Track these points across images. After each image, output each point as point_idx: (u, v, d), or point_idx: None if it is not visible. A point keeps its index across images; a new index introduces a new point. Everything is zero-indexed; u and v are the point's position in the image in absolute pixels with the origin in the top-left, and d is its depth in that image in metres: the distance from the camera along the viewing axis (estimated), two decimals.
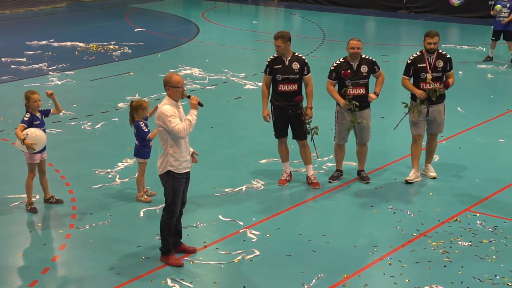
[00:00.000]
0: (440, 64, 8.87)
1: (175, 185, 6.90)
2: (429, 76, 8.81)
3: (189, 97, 6.91)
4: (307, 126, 8.83)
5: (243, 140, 10.89)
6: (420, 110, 8.89)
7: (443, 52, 8.98)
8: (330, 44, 18.21)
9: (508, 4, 15.31)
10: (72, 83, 14.32)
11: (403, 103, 9.07)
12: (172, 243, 7.09)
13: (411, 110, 8.97)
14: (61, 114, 12.05)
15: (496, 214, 8.08)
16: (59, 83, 14.24)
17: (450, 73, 8.99)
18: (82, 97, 13.23)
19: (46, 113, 8.41)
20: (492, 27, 15.83)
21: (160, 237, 7.10)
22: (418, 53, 9.00)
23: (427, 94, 8.83)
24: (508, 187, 8.90)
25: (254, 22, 23.03)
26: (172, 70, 15.17)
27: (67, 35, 19.20)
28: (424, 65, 8.85)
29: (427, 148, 9.30)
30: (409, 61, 8.99)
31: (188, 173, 7.04)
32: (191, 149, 7.15)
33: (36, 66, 15.60)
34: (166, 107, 6.78)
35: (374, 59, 8.93)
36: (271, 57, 8.86)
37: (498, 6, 16.50)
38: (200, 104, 6.89)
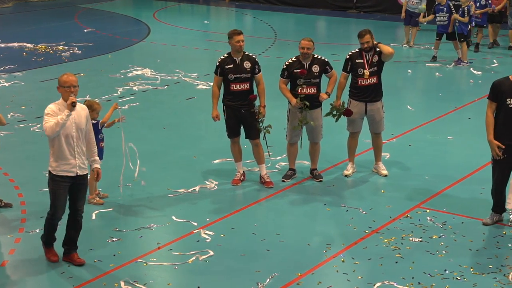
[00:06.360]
0: (376, 58, 9.04)
1: (54, 188, 6.81)
2: (366, 72, 8.97)
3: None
4: (260, 124, 8.86)
5: (196, 140, 10.85)
6: (341, 111, 9.04)
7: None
8: (282, 44, 18.28)
9: (445, 9, 15.64)
10: (20, 84, 14.04)
11: (331, 105, 9.16)
12: (65, 249, 7.07)
13: (332, 114, 9.12)
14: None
15: (446, 210, 8.24)
16: (7, 84, 13.95)
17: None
18: (31, 99, 12.99)
19: None
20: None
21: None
22: (357, 50, 9.15)
23: (332, 110, 9.05)
24: (457, 183, 9.08)
25: (206, 22, 22.97)
26: (123, 71, 15.06)
27: (15, 35, 18.82)
28: (362, 61, 9.01)
29: (373, 147, 9.44)
30: (347, 57, 9.14)
31: (74, 178, 6.81)
32: (97, 165, 7.10)
33: None
34: (49, 105, 6.80)
35: (326, 59, 9.00)
36: (222, 58, 8.87)
37: (423, 6, 17.01)
38: (73, 105, 6.71)
